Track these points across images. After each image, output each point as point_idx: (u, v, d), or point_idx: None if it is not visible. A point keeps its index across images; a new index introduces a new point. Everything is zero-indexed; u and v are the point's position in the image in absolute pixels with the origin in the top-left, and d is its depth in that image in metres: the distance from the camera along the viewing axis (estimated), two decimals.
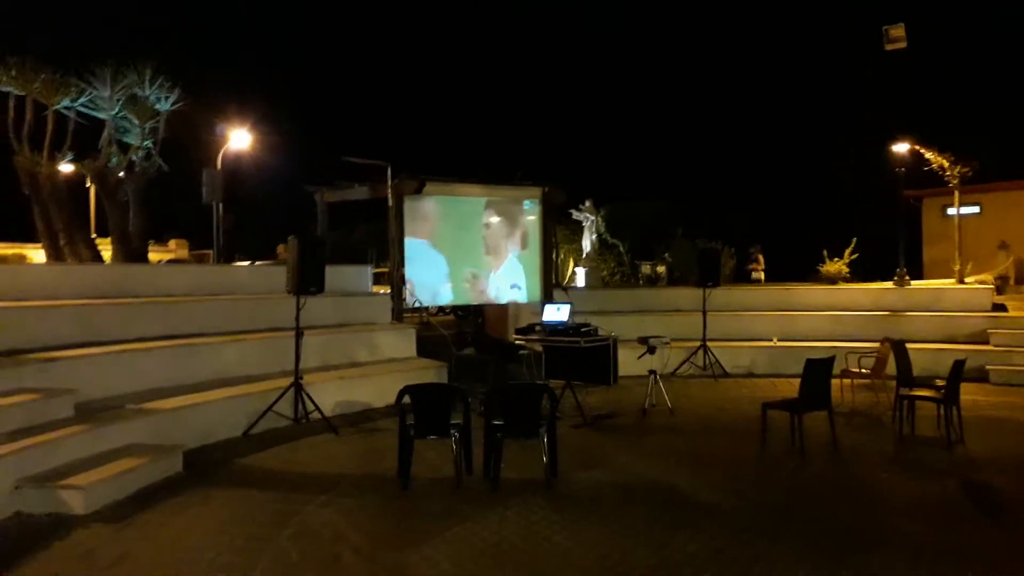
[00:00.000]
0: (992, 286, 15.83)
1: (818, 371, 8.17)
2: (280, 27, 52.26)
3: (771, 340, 13.75)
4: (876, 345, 10.99)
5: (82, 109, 13.27)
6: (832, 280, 17.21)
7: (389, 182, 13.16)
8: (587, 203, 22.76)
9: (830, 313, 14.60)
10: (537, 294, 14.62)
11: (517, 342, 10.92)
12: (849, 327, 13.92)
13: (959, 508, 6.48)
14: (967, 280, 16.88)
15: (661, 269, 23.25)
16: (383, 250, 16.64)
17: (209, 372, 9.42)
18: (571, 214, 23.43)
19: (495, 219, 14.44)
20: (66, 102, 13.03)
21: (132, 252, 13.54)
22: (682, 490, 6.81)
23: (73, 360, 8.09)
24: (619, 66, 47.85)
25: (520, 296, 14.51)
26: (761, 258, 20.54)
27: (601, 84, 47.44)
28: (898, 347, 9.63)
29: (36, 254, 17.96)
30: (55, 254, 12.84)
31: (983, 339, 13.33)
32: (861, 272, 18.29)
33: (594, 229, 22.91)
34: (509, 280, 14.52)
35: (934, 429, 8.81)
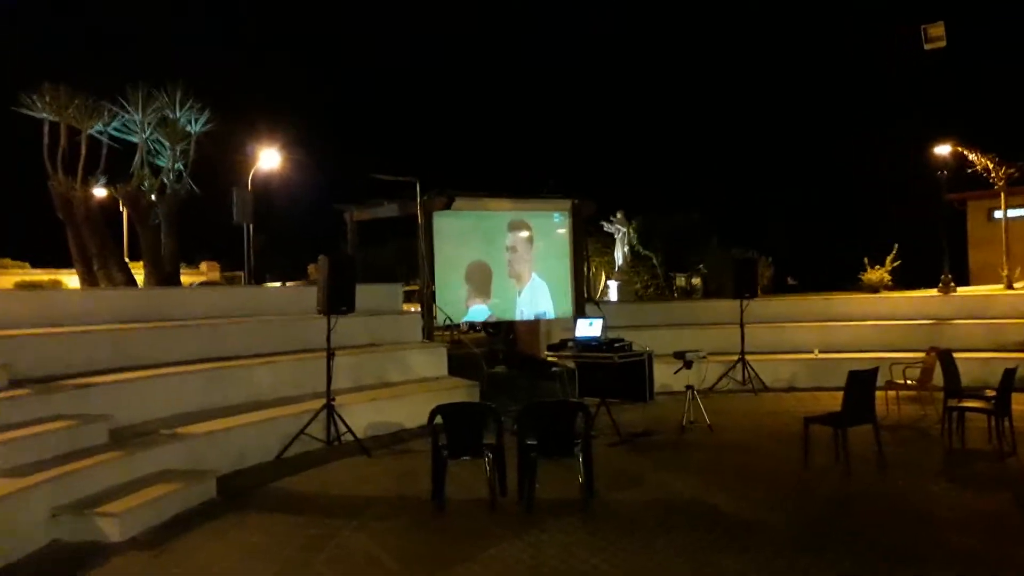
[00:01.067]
0: None
1: (862, 383, 8.04)
2: (307, 46, 53.09)
3: (812, 352, 13.56)
4: (922, 355, 10.80)
5: (115, 133, 13.59)
6: (874, 288, 16.96)
7: (418, 199, 13.26)
8: (619, 214, 22.72)
9: (873, 323, 14.37)
10: (567, 310, 14.55)
11: (549, 359, 10.87)
12: (893, 337, 13.67)
13: (1013, 523, 6.32)
14: (1016, 285, 16.51)
15: (696, 281, 23.11)
16: (413, 267, 16.74)
17: (242, 395, 9.52)
18: (602, 226, 23.40)
19: (523, 234, 14.36)
20: (99, 127, 13.34)
21: (164, 275, 13.78)
22: (723, 508, 6.73)
23: (107, 386, 8.23)
24: (650, 75, 47.83)
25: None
26: None
27: (632, 94, 47.43)
28: (945, 356, 9.44)
29: (70, 279, 18.36)
30: (89, 279, 13.12)
31: None
32: (904, 280, 18.02)
33: (626, 241, 22.85)
34: (533, 303, 14.33)
35: (985, 442, 8.61)
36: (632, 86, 47.50)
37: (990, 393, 8.78)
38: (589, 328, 10.46)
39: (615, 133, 45.55)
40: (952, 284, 16.10)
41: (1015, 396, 8.61)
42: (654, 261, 25.33)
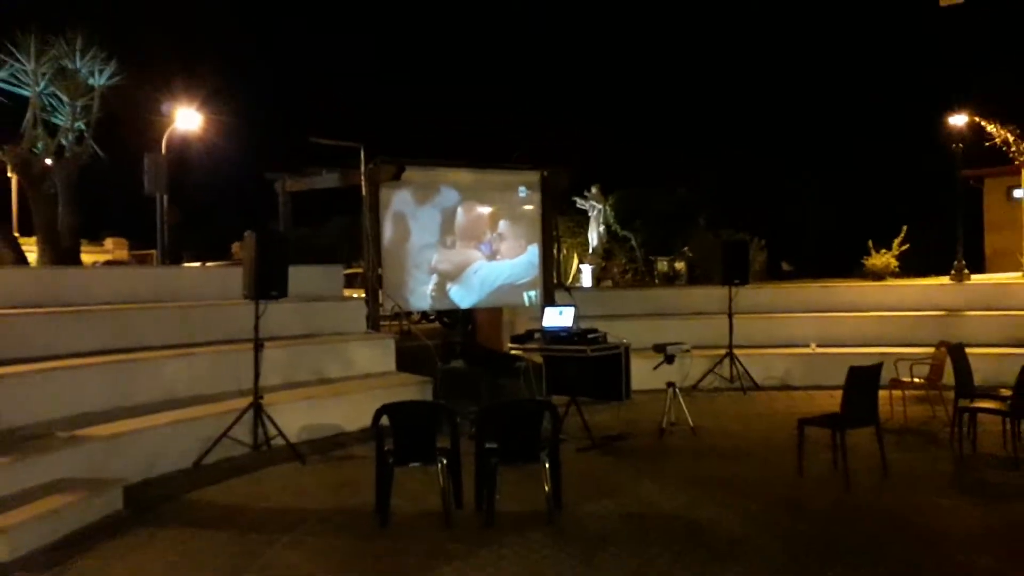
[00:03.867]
0: None
1: (863, 381, 8.17)
2: None
3: (808, 346, 13.77)
4: (931, 350, 11.01)
5: (1, 85, 13.25)
6: (879, 275, 17.25)
7: (362, 167, 13.15)
8: (594, 189, 22.85)
9: (877, 314, 14.62)
10: (532, 297, 14.56)
11: (513, 352, 10.91)
12: (899, 329, 13.93)
13: None
14: None
15: (680, 265, 23.31)
16: (357, 247, 16.62)
17: (153, 392, 9.40)
18: (575, 203, 23.50)
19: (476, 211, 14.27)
20: None
21: (62, 253, 13.53)
22: (708, 523, 6.81)
23: None
24: (629, 34, 47.93)
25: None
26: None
27: (609, 55, 47.49)
28: (956, 352, 9.63)
29: None
30: None
31: None
32: (913, 266, 18.35)
33: (602, 219, 22.99)
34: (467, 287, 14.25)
35: (1000, 447, 8.81)
36: (611, 41, 47.56)
37: (1005, 393, 8.98)
38: (559, 317, 10.51)
39: (590, 95, 45.60)
40: (966, 271, 16.45)
41: None
42: (633, 243, 25.50)
